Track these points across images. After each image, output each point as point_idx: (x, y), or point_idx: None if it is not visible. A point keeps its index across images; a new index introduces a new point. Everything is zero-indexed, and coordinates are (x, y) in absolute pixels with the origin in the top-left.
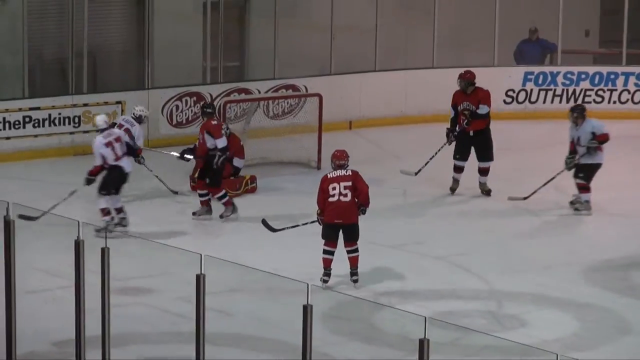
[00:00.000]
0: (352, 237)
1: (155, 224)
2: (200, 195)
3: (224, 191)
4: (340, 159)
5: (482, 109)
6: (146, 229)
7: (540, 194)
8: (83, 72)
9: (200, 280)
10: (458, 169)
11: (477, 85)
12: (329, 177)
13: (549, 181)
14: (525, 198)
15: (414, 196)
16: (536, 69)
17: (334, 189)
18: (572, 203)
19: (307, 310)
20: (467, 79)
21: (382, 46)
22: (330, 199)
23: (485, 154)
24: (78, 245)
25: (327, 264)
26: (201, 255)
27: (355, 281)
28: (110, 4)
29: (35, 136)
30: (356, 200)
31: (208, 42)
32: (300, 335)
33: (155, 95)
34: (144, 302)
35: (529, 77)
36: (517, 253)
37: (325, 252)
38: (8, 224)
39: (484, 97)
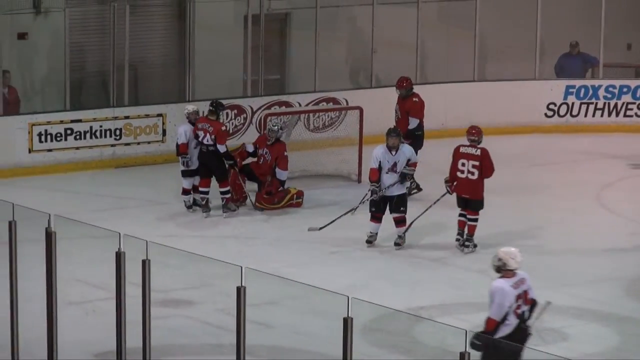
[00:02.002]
0: (475, 207)
1: (197, 236)
2: (203, 193)
3: (228, 187)
4: (470, 134)
5: (412, 122)
6: (187, 240)
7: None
8: (124, 84)
9: (240, 292)
10: None
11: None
12: (460, 150)
13: (349, 211)
14: (320, 228)
15: (454, 210)
16: (578, 83)
17: (463, 165)
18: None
19: (347, 322)
20: (406, 88)
21: (423, 59)
22: (459, 174)
23: None
24: (119, 257)
25: (461, 225)
26: (242, 267)
27: (467, 246)
28: (152, 17)
29: (77, 148)
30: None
31: (249, 55)
32: (340, 347)
33: None
34: (184, 314)
35: (571, 90)
36: (558, 267)
37: (460, 215)
38: (50, 236)
39: (412, 109)
